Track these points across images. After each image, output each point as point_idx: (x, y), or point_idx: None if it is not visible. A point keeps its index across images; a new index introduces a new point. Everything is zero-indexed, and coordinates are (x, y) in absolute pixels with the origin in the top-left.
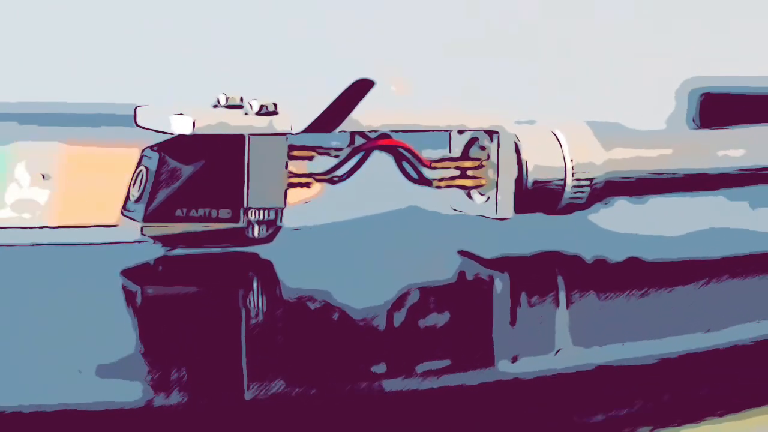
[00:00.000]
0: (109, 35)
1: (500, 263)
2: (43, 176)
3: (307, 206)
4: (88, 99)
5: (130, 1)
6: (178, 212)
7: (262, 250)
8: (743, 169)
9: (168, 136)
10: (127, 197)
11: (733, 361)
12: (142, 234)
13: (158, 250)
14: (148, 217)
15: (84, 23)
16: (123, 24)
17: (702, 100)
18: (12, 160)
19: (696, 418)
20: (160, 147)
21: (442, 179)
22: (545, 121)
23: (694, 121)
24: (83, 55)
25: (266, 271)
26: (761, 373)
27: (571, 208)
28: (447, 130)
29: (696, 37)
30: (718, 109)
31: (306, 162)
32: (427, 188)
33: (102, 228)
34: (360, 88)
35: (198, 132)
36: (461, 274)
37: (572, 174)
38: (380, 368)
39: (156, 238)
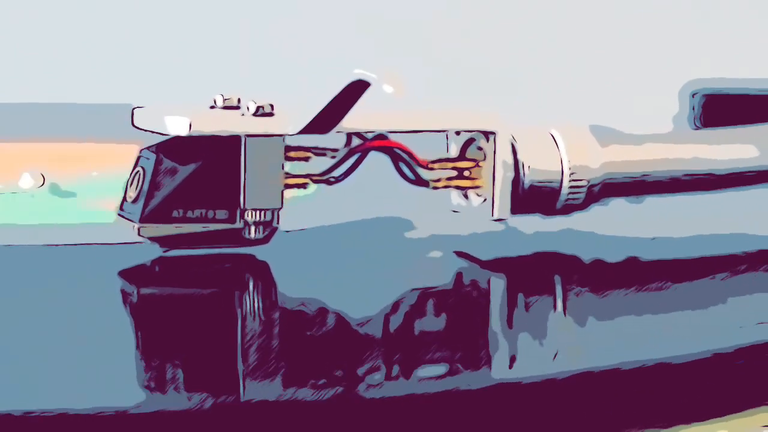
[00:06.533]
0: (106, 36)
1: (497, 264)
2: (43, 176)
3: (303, 207)
4: (87, 100)
5: (128, 1)
6: (175, 213)
7: (259, 251)
8: (742, 170)
9: (165, 137)
10: (124, 198)
11: (732, 361)
12: (139, 235)
13: (155, 251)
14: (145, 218)
15: (82, 24)
16: (121, 25)
17: (704, 102)
18: (12, 160)
19: (694, 419)
20: (157, 148)
21: (439, 180)
22: (543, 122)
23: (695, 122)
24: (81, 57)
25: (263, 272)
26: (760, 374)
27: (568, 209)
28: (444, 131)
29: (698, 39)
30: (720, 110)
31: (303, 163)
32: (424, 189)
33: (99, 228)
34: (356, 89)
35: (195, 133)
36: (458, 275)
37: (569, 175)
38: (377, 370)
39: (153, 239)
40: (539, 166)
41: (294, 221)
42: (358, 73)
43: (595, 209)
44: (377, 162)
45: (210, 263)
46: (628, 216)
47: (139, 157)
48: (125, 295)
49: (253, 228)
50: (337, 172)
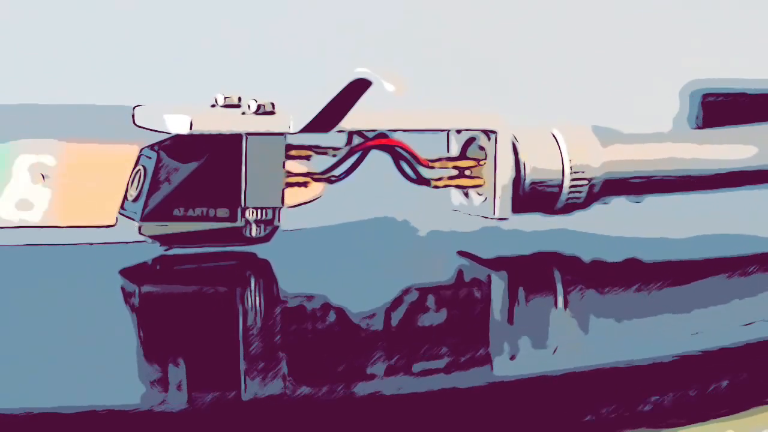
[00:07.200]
0: (106, 36)
1: (498, 263)
2: (43, 176)
3: (305, 206)
4: (88, 100)
5: (128, 1)
6: (176, 211)
7: (260, 250)
8: (742, 170)
9: (166, 136)
10: (125, 197)
11: (732, 361)
12: (141, 233)
13: (156, 250)
14: (146, 217)
15: (82, 24)
16: (121, 25)
17: (704, 102)
18: (12, 159)
19: (694, 418)
20: (158, 146)
21: (440, 179)
22: (544, 121)
23: (695, 122)
24: (81, 57)
25: (264, 270)
26: (760, 374)
27: (569, 208)
28: (445, 130)
29: (698, 39)
30: (720, 110)
31: (304, 161)
32: (425, 188)
33: (101, 228)
34: (357, 88)
35: (196, 132)
36: (459, 274)
37: (570, 174)
38: (378, 368)
39: (154, 238)
40: (540, 166)
41: (295, 220)
42: (360, 72)
43: (595, 208)
44: (378, 161)
45: (211, 261)
46: (629, 215)
47: (140, 156)
48: (126, 293)
49: (254, 226)
50: (338, 171)
